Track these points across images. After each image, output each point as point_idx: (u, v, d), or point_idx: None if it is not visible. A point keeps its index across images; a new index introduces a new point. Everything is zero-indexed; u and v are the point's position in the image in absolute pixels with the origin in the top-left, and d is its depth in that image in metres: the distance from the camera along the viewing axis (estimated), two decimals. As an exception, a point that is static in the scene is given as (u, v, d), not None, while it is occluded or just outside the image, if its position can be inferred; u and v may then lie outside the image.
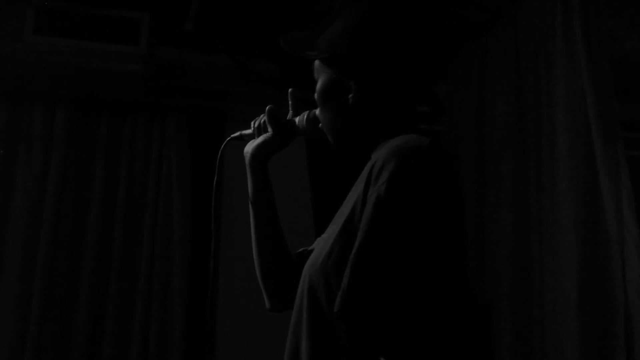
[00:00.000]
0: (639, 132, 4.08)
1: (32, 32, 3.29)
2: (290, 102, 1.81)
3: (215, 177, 1.86)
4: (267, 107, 1.75)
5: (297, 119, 1.74)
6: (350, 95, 1.50)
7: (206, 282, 3.68)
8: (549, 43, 3.02)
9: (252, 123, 1.83)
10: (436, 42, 1.55)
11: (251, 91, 3.96)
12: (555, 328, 2.79)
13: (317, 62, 1.60)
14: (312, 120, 1.68)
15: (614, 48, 3.28)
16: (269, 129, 1.76)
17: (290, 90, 1.82)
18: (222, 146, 1.85)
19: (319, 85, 1.58)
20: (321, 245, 1.46)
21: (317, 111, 1.63)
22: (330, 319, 1.31)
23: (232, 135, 1.87)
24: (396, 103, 1.52)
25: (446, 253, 1.26)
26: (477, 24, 3.58)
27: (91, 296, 3.55)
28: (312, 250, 1.64)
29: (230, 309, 3.67)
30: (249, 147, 1.81)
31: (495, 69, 3.42)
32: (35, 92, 3.65)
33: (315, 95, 1.59)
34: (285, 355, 1.46)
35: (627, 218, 2.65)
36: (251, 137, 1.83)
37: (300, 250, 1.76)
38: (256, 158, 1.79)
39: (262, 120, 1.79)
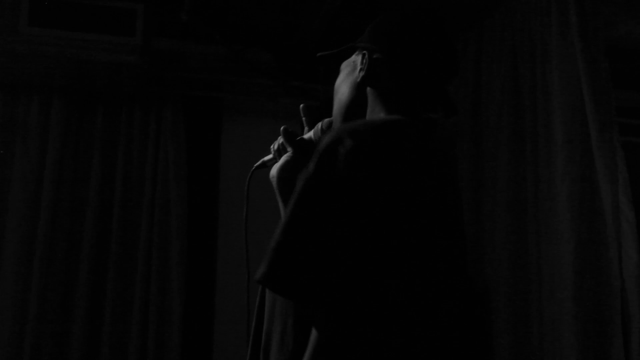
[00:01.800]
0: (634, 118, 4.09)
1: (27, 23, 3.28)
2: (303, 118, 1.83)
3: (245, 209, 1.84)
4: (282, 128, 1.75)
5: (312, 133, 1.75)
6: (362, 71, 1.56)
7: (203, 275, 3.71)
8: (544, 29, 3.02)
9: (272, 147, 1.83)
10: (448, 46, 1.59)
11: (247, 81, 3.96)
12: (553, 315, 2.81)
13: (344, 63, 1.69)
14: (327, 128, 1.70)
15: (609, 33, 3.28)
16: (288, 149, 1.76)
17: (302, 106, 1.84)
18: (249, 177, 1.85)
19: (339, 78, 1.67)
20: None
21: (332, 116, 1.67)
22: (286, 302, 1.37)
23: (255, 165, 1.86)
24: (401, 88, 1.56)
25: (370, 223, 1.29)
26: (473, 11, 3.58)
27: (89, 287, 3.55)
28: None
29: (227, 308, 3.70)
30: (274, 171, 1.79)
31: (491, 56, 3.42)
32: (31, 83, 3.64)
33: (335, 86, 1.67)
34: (250, 336, 1.52)
35: (623, 204, 2.66)
36: (273, 160, 1.82)
37: None
38: (282, 179, 1.77)
39: (280, 142, 1.79)
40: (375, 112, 1.55)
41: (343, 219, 1.27)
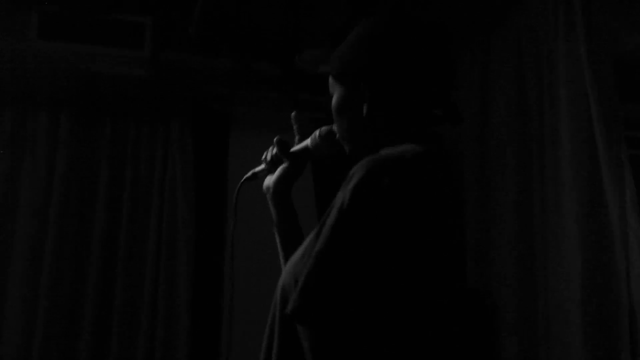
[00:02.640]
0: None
1: (37, 37, 3.31)
2: (295, 127, 1.82)
3: (233, 223, 1.82)
4: (275, 139, 1.75)
5: (308, 141, 1.72)
6: (365, 104, 1.52)
7: (211, 284, 3.71)
8: (551, 42, 3.02)
9: (263, 157, 1.81)
10: (445, 53, 1.56)
11: (255, 93, 3.97)
12: (560, 326, 2.79)
13: (331, 78, 1.63)
14: (326, 136, 1.68)
15: (616, 47, 3.28)
16: (284, 160, 1.75)
17: (293, 114, 1.82)
18: (237, 189, 1.82)
19: (334, 99, 1.61)
20: (300, 250, 1.49)
21: (333, 126, 1.64)
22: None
23: (245, 177, 1.84)
24: (409, 110, 1.54)
25: (409, 259, 1.29)
26: (480, 24, 3.58)
27: (97, 299, 3.57)
28: None
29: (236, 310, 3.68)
30: (269, 183, 1.79)
31: (498, 69, 3.42)
32: (39, 96, 3.66)
33: (332, 108, 1.61)
34: (261, 353, 1.49)
35: (631, 217, 2.65)
36: (263, 172, 1.81)
37: None
38: (279, 192, 1.78)
39: (273, 153, 1.77)
40: (388, 137, 1.53)
41: (378, 252, 1.27)
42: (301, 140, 1.78)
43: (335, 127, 1.64)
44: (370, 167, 1.33)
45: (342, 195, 1.32)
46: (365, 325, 1.26)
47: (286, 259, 1.75)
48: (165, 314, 3.61)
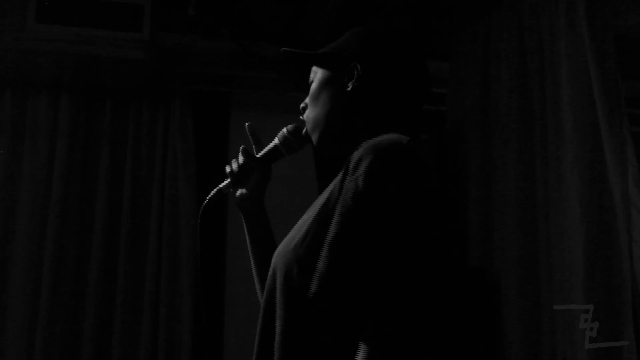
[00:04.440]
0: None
1: (35, 20, 3.29)
2: (251, 137, 1.84)
3: (199, 247, 1.82)
4: (241, 148, 1.77)
5: (276, 141, 1.76)
6: (352, 81, 1.58)
7: (213, 272, 3.70)
8: (552, 20, 3.01)
9: (228, 171, 1.80)
10: (425, 69, 1.63)
11: (255, 75, 3.96)
12: (563, 304, 2.80)
13: (314, 67, 1.69)
14: (294, 132, 1.73)
15: (617, 24, 3.26)
16: (254, 167, 1.76)
17: (247, 124, 1.85)
18: (201, 211, 1.79)
19: (315, 82, 1.66)
20: (295, 230, 1.51)
21: (297, 124, 1.71)
22: (304, 300, 1.35)
23: (209, 197, 1.80)
24: (392, 98, 1.59)
25: (420, 240, 1.33)
26: (480, 4, 3.56)
27: (99, 286, 3.56)
28: None
29: (237, 306, 3.70)
30: (239, 200, 1.80)
31: (499, 48, 3.41)
32: (39, 80, 3.65)
33: (310, 92, 1.67)
34: (257, 336, 1.50)
35: (633, 194, 2.65)
36: (228, 187, 1.80)
37: None
38: (256, 199, 1.80)
39: (240, 162, 1.77)
40: (362, 123, 1.57)
41: (387, 236, 1.30)
42: (258, 149, 1.80)
43: (305, 117, 1.68)
44: (378, 153, 1.36)
45: (354, 182, 1.34)
46: (378, 305, 1.28)
47: (261, 265, 1.77)
48: (168, 309, 3.60)
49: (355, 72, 1.58)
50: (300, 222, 1.54)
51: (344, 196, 1.35)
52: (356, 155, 1.38)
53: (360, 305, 1.29)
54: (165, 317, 3.58)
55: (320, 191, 1.57)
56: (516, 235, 3.13)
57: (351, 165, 1.37)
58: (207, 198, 1.79)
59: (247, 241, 1.83)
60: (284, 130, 1.74)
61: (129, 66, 3.45)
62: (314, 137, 1.65)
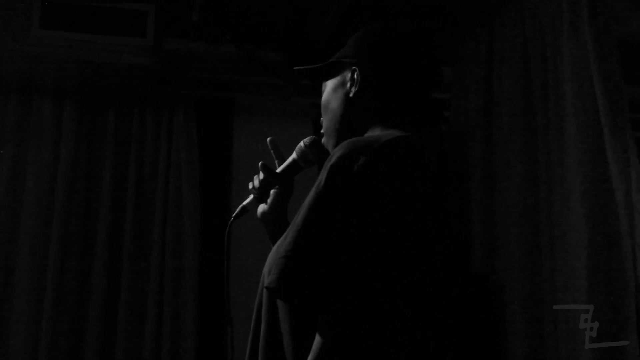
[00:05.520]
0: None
1: (39, 26, 3.30)
2: (273, 152, 1.85)
3: (226, 264, 1.80)
4: (260, 165, 1.77)
5: (294, 155, 1.76)
6: (353, 87, 1.59)
7: (216, 275, 3.72)
8: (555, 24, 3.01)
9: (250, 186, 1.81)
10: (431, 55, 1.65)
11: (258, 80, 3.97)
12: (567, 312, 2.80)
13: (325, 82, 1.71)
14: (311, 144, 1.73)
15: (620, 29, 3.26)
16: (274, 182, 1.76)
17: (269, 139, 1.85)
18: (228, 228, 1.80)
19: (324, 93, 1.69)
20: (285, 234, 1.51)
21: (315, 137, 1.71)
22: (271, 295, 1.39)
23: (234, 214, 1.82)
24: (394, 98, 1.59)
25: (379, 239, 1.32)
26: (484, 8, 3.57)
27: (103, 287, 3.57)
28: None
29: (241, 307, 3.69)
30: (265, 209, 1.80)
31: (502, 53, 3.42)
32: (43, 86, 3.67)
33: (322, 102, 1.69)
34: (249, 339, 1.54)
35: (636, 200, 2.65)
36: (252, 203, 1.81)
37: None
38: (270, 223, 1.79)
39: (261, 178, 1.78)
40: (371, 126, 1.58)
41: (351, 230, 1.30)
42: (280, 163, 1.81)
43: (321, 129, 1.69)
44: (348, 148, 1.37)
45: (320, 175, 1.37)
46: (339, 303, 1.29)
47: None
48: (172, 310, 3.62)
49: (355, 76, 1.59)
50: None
51: (310, 193, 1.36)
52: (334, 150, 1.41)
53: (317, 298, 1.30)
54: (169, 318, 3.59)
55: None
56: (519, 238, 3.12)
57: (326, 162, 1.39)
58: (233, 216, 1.80)
59: None
60: (301, 144, 1.74)
61: (133, 72, 3.46)
62: (328, 147, 1.67)
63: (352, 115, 1.60)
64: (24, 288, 3.50)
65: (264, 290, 1.47)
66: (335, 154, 1.37)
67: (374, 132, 1.54)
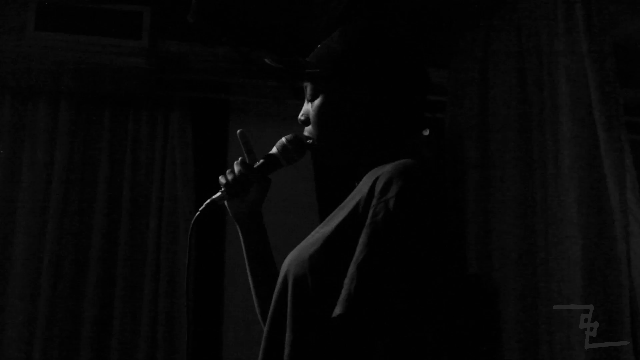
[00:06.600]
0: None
1: (34, 28, 3.30)
2: (242, 145, 1.77)
3: (187, 258, 1.71)
4: (240, 160, 1.69)
5: (274, 151, 1.68)
6: (365, 110, 1.55)
7: (211, 276, 3.71)
8: (550, 28, 3.02)
9: (224, 182, 1.71)
10: (420, 64, 1.60)
11: (254, 82, 3.96)
12: (561, 313, 2.80)
13: (311, 84, 1.63)
14: (293, 141, 1.65)
15: (615, 32, 3.27)
16: (253, 179, 1.69)
17: (239, 132, 1.79)
18: (192, 223, 1.70)
19: (321, 105, 1.60)
20: (309, 240, 1.46)
21: (309, 131, 1.63)
22: (317, 312, 1.33)
23: (201, 209, 1.70)
24: (402, 117, 1.57)
25: (444, 261, 1.34)
26: (479, 11, 3.57)
27: (98, 289, 3.56)
28: None
29: (236, 308, 3.70)
30: (237, 214, 1.75)
31: (498, 55, 3.42)
32: (38, 87, 3.65)
33: (319, 114, 1.61)
34: (262, 345, 1.47)
35: (631, 202, 2.65)
36: (222, 198, 1.71)
37: None
38: (246, 224, 1.75)
39: (237, 173, 1.68)
40: (368, 134, 1.56)
41: (419, 259, 1.31)
42: (250, 157, 1.73)
43: (308, 133, 1.63)
44: (407, 176, 1.37)
45: (383, 203, 1.34)
46: (397, 323, 1.29)
47: (257, 280, 1.74)
48: (166, 312, 3.61)
49: (366, 97, 1.55)
50: (315, 233, 1.50)
51: (374, 218, 1.33)
52: (382, 177, 1.38)
53: (384, 329, 1.29)
54: (164, 318, 3.59)
55: (321, 204, 1.57)
56: (514, 240, 3.13)
57: (378, 188, 1.36)
58: (199, 210, 1.69)
59: (245, 258, 1.77)
60: (283, 139, 1.67)
61: (128, 73, 3.46)
62: (323, 156, 1.62)
63: (359, 135, 1.57)
64: (18, 290, 3.49)
65: (295, 296, 1.41)
66: (394, 181, 1.35)
67: (369, 139, 1.53)
